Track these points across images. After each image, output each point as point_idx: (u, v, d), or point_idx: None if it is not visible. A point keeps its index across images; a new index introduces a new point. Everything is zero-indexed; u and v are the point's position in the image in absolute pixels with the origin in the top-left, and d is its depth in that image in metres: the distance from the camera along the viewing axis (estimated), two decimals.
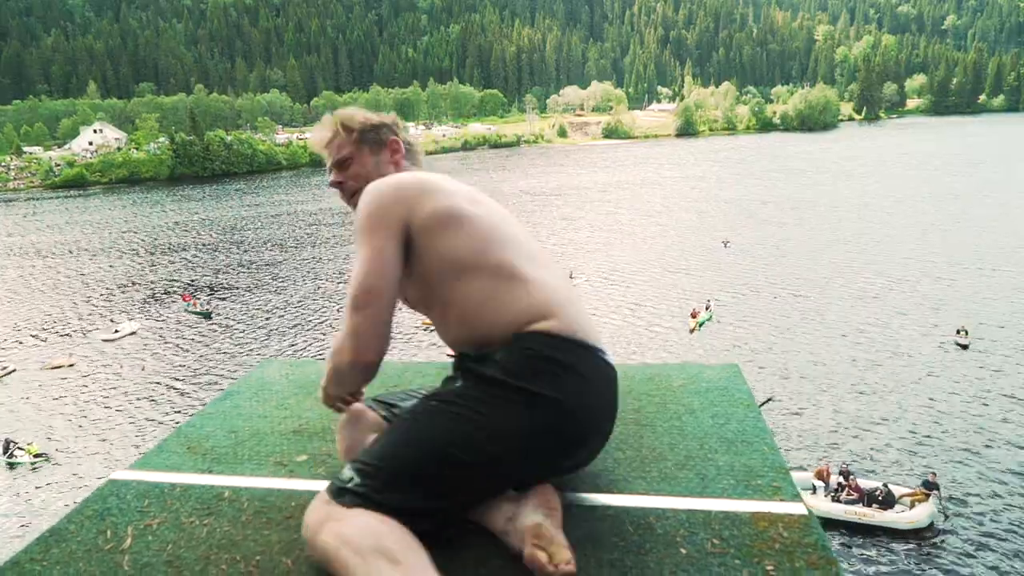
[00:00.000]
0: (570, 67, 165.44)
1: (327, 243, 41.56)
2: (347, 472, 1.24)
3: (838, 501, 12.85)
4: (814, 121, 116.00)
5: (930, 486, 12.89)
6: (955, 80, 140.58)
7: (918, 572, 11.40)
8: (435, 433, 1.23)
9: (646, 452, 1.55)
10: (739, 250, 34.10)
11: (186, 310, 28.59)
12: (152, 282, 34.32)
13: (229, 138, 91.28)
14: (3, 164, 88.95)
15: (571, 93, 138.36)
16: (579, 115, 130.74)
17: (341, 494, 1.20)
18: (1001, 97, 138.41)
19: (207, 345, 24.45)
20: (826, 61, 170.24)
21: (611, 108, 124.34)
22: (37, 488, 15.71)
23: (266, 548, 1.27)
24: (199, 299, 29.84)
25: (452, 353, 1.45)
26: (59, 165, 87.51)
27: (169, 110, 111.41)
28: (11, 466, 16.76)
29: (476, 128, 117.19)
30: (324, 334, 24.60)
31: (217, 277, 34.58)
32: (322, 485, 1.36)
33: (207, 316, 27.66)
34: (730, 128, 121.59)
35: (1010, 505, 12.83)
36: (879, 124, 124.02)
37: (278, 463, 1.62)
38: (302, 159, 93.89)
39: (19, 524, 14.05)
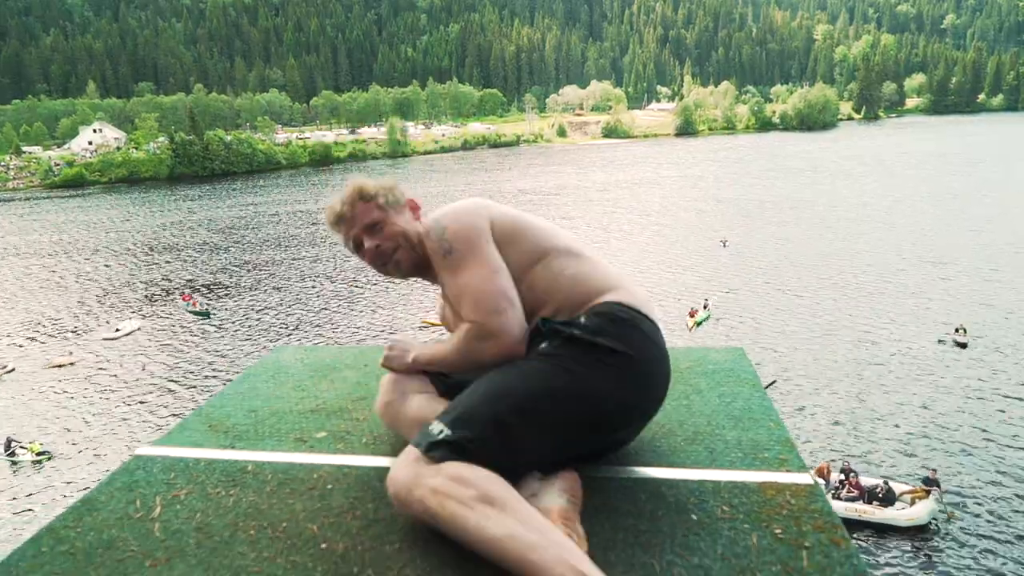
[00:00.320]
0: (569, 66, 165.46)
1: (326, 242, 41.56)
2: (435, 426, 1.28)
3: (839, 498, 12.88)
4: (813, 120, 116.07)
5: (930, 483, 12.95)
6: (954, 79, 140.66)
7: (919, 569, 11.44)
8: (528, 384, 1.31)
9: (656, 428, 1.58)
10: (737, 249, 34.13)
11: (186, 310, 28.62)
12: (152, 282, 34.33)
13: (228, 138, 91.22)
14: (2, 164, 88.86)
15: (570, 93, 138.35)
16: (578, 115, 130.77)
17: (431, 448, 1.23)
18: (1000, 96, 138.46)
19: (207, 344, 24.48)
20: (825, 60, 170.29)
21: (610, 108, 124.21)
22: (39, 487, 15.73)
23: (292, 516, 1.31)
24: (198, 299, 29.88)
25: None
26: (58, 165, 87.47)
27: (168, 110, 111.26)
28: (13, 464, 16.80)
29: (475, 128, 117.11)
30: (324, 333, 24.65)
31: (216, 276, 34.60)
32: (343, 460, 1.42)
33: (206, 316, 27.70)
34: (729, 127, 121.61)
35: (1010, 502, 12.88)
36: (878, 123, 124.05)
37: (298, 439, 1.65)
38: (301, 159, 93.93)
39: (25, 522, 14.08)
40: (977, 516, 12.60)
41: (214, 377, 21.16)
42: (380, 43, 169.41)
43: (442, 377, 1.63)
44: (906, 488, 13.01)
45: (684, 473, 1.39)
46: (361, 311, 27.21)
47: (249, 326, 26.34)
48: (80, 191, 79.56)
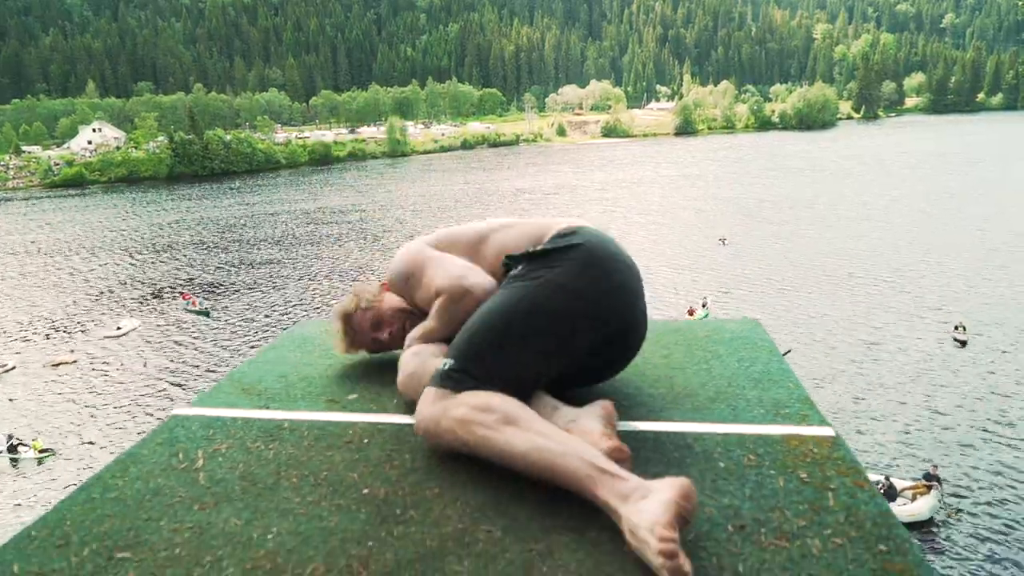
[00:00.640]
0: (569, 66, 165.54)
1: (325, 241, 41.58)
2: (442, 362, 1.41)
3: None
4: (813, 120, 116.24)
5: (932, 479, 12.98)
6: (953, 79, 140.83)
7: None
8: (508, 301, 1.43)
9: (679, 389, 1.63)
10: (736, 249, 34.17)
11: (185, 309, 28.64)
12: (152, 281, 34.34)
13: (228, 137, 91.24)
14: (2, 163, 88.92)
15: (570, 92, 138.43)
16: (578, 114, 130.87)
17: (445, 380, 1.34)
18: (999, 95, 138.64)
19: (207, 343, 24.52)
20: (825, 60, 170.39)
21: (610, 107, 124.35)
22: (43, 484, 15.77)
23: (331, 466, 1.35)
24: (198, 298, 29.88)
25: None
26: (58, 164, 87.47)
27: (168, 109, 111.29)
28: (15, 462, 16.82)
29: (475, 127, 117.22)
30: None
31: (216, 275, 34.62)
32: (376, 418, 1.50)
33: (206, 315, 27.72)
34: (729, 127, 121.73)
35: (1011, 497, 12.92)
36: (878, 123, 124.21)
37: (330, 400, 1.70)
38: (301, 158, 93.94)
39: (28, 520, 14.08)
40: (978, 512, 12.64)
41: (214, 375, 21.19)
42: (379, 43, 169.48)
43: None
44: (907, 484, 13.04)
45: (709, 427, 1.42)
46: None
47: (248, 325, 26.36)
48: (80, 191, 79.57)
